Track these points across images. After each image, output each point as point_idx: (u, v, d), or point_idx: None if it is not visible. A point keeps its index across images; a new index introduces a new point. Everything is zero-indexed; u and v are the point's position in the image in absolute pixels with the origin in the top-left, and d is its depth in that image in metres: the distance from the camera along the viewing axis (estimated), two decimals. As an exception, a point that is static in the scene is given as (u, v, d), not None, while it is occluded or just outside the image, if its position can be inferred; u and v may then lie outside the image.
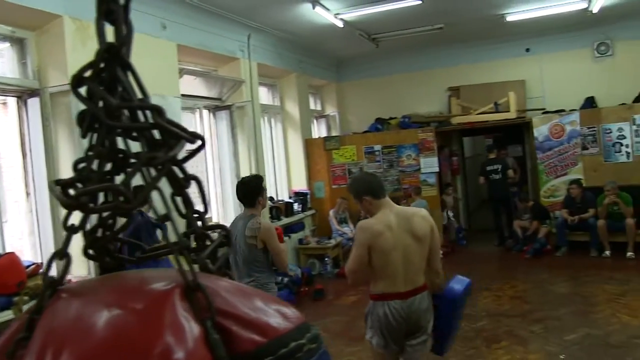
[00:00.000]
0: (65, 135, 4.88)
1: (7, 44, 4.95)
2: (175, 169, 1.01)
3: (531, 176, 10.19)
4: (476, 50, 10.42)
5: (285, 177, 9.68)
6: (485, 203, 10.60)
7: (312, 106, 10.81)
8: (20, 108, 5.00)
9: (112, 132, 1.01)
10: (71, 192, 0.95)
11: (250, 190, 4.01)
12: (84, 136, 1.04)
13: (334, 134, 11.08)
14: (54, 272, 1.01)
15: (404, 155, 9.56)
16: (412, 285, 3.16)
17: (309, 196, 9.67)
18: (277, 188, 9.40)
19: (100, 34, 1.00)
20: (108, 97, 0.97)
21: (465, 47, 10.42)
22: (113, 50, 0.99)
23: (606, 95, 9.51)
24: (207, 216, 1.14)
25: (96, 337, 0.82)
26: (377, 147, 9.74)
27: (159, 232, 4.80)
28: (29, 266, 4.39)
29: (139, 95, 1.03)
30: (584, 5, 8.28)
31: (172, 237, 0.99)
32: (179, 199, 1.04)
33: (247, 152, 7.83)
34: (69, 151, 4.86)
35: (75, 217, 0.97)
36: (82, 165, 1.01)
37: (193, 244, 1.08)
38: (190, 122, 7.37)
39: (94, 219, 1.04)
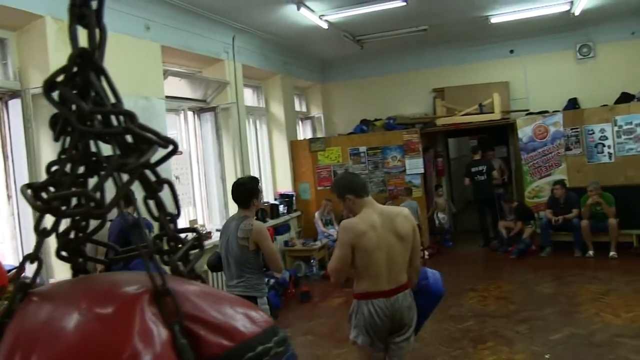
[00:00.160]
0: (47, 137, 4.81)
1: (-13, 45, 4.88)
2: (148, 172, 1.02)
3: (515, 177, 10.27)
4: (460, 51, 10.47)
5: (271, 179, 9.65)
6: (470, 204, 10.65)
7: (297, 107, 10.80)
8: (1, 109, 4.92)
9: (85, 136, 1.01)
10: (44, 195, 0.96)
11: (246, 191, 4.00)
12: (56, 139, 1.04)
13: (319, 135, 11.07)
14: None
15: (389, 156, 9.58)
16: (395, 283, 3.20)
17: (294, 198, 9.64)
18: (263, 190, 9.36)
19: (73, 38, 1.00)
20: (80, 102, 0.97)
21: (449, 49, 10.47)
22: (86, 55, 1.00)
23: (588, 96, 9.61)
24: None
25: (65, 341, 0.82)
26: (363, 149, 9.75)
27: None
28: (10, 270, 4.29)
29: (113, 99, 1.05)
30: (566, 7, 8.36)
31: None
32: (151, 202, 1.05)
33: (232, 154, 7.79)
34: (51, 153, 4.79)
35: (48, 221, 0.97)
36: (54, 167, 1.02)
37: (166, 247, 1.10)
38: (175, 123, 7.32)
39: (67, 220, 1.04)
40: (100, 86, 1.03)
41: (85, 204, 0.96)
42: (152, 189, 1.03)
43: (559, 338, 5.14)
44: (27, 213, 4.81)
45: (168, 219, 1.07)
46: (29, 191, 0.95)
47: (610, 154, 8.69)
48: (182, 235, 1.11)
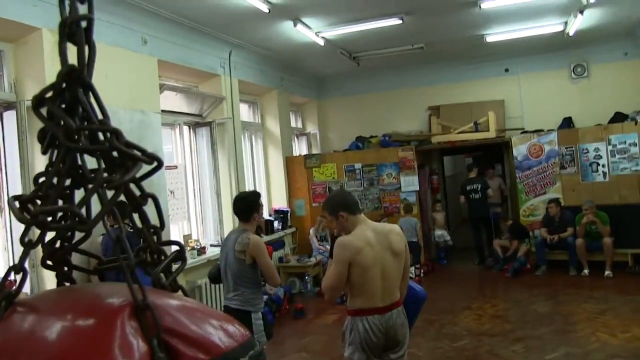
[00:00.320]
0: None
1: (-17, 57, 4.86)
2: (133, 186, 1.06)
3: (510, 195, 10.26)
4: (456, 69, 10.53)
5: (266, 195, 9.61)
6: (465, 222, 10.63)
7: (292, 124, 10.81)
8: (-5, 121, 4.89)
9: (71, 151, 1.04)
10: (30, 207, 1.01)
11: (247, 205, 4.06)
12: (44, 153, 1.09)
13: (314, 151, 11.07)
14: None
15: (385, 173, 9.58)
16: (389, 300, 3.19)
17: (289, 214, 9.60)
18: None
19: (63, 56, 1.05)
20: (68, 120, 1.00)
21: (445, 67, 10.53)
22: (74, 73, 1.04)
23: (583, 115, 9.66)
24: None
25: (48, 353, 0.84)
26: (358, 166, 9.75)
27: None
28: None
29: (100, 115, 1.07)
30: (561, 27, 8.44)
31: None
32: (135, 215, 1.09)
33: (228, 169, 7.76)
34: (45, 167, 4.75)
35: (35, 233, 1.00)
36: (42, 179, 1.07)
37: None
38: (170, 138, 7.30)
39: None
40: (87, 102, 1.05)
41: (71, 218, 1.00)
42: (136, 203, 1.07)
43: (555, 357, 5.09)
44: (19, 226, 4.75)
45: (152, 231, 1.10)
46: (16, 203, 0.99)
47: (604, 173, 8.71)
48: (166, 247, 1.14)
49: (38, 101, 1.05)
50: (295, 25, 7.14)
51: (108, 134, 1.03)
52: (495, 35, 8.67)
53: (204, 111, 7.80)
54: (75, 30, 1.04)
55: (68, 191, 1.07)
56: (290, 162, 9.88)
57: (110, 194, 1.02)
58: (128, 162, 1.01)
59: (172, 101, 7.23)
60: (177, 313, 0.95)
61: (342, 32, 7.81)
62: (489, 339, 5.80)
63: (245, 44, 8.05)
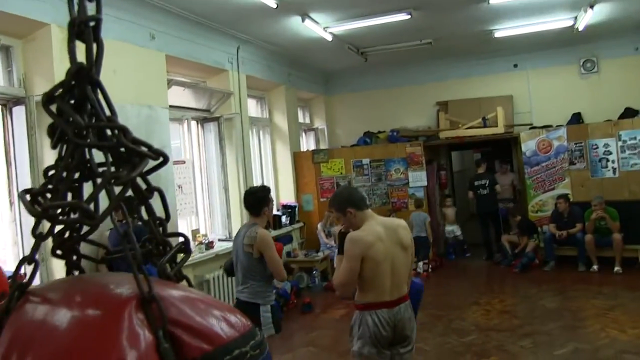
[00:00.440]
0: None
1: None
2: (140, 180, 1.09)
3: (519, 191, 10.21)
4: (464, 65, 10.48)
5: (274, 190, 9.61)
6: (473, 217, 10.60)
7: (300, 119, 10.81)
8: (5, 116, 4.92)
9: (80, 148, 1.08)
10: (40, 200, 1.04)
11: (257, 200, 4.13)
12: (54, 147, 1.13)
13: (322, 147, 11.07)
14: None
15: (393, 169, 9.56)
16: (397, 294, 3.20)
17: (297, 209, 9.61)
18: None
19: (72, 54, 1.08)
20: (77, 117, 1.04)
21: (453, 62, 10.48)
22: (83, 71, 1.07)
23: (592, 111, 9.60)
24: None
25: (59, 342, 0.88)
26: (366, 161, 9.73)
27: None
28: (10, 277, 4.28)
29: (108, 111, 1.11)
30: (570, 22, 8.37)
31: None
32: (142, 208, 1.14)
33: (235, 164, 7.77)
34: (54, 160, 4.78)
35: (44, 225, 1.05)
36: (51, 172, 1.11)
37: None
38: (178, 133, 7.32)
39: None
40: (96, 99, 1.09)
41: (79, 213, 1.03)
42: (143, 197, 1.11)
43: (563, 353, 5.08)
44: (29, 220, 4.78)
45: (157, 223, 1.14)
46: (27, 196, 1.03)
47: (614, 168, 8.66)
48: (171, 239, 1.18)
49: (48, 98, 1.07)
50: (303, 20, 7.13)
51: (116, 131, 1.06)
52: (504, 30, 8.62)
53: (212, 106, 7.81)
54: (84, 30, 1.08)
55: (76, 184, 1.11)
56: (298, 158, 9.89)
57: (116, 189, 1.05)
58: (135, 158, 1.04)
59: (180, 96, 7.25)
60: (181, 304, 0.98)
61: (350, 27, 7.78)
62: (497, 334, 5.79)
63: (253, 39, 8.05)
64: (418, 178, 9.43)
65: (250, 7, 6.51)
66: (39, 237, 1.08)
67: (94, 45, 1.09)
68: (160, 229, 1.16)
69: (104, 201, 1.07)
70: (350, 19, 7.49)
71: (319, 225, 9.20)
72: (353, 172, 9.75)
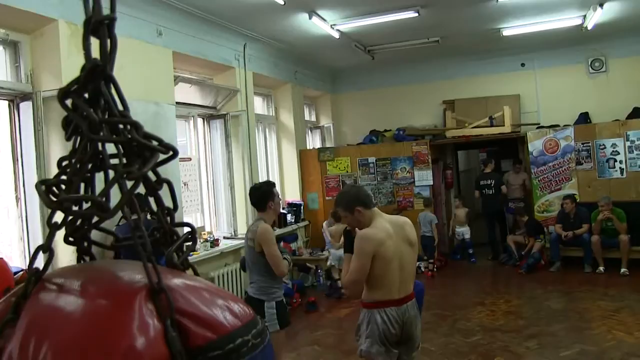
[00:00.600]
0: (57, 140, 4.79)
1: (0, 47, 4.88)
2: (150, 173, 1.14)
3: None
4: (472, 64, 10.44)
5: (279, 188, 9.60)
6: (479, 217, 10.56)
7: (306, 117, 10.79)
8: (12, 112, 4.92)
9: (94, 142, 1.14)
10: (55, 190, 1.10)
11: (261, 195, 4.19)
12: (68, 139, 1.18)
13: (328, 145, 11.05)
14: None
15: (399, 167, 9.54)
16: (405, 292, 3.20)
17: (302, 207, 9.59)
18: (279, 194, 9.32)
19: (87, 51, 1.12)
20: (91, 113, 1.09)
21: (460, 61, 10.44)
22: (98, 68, 1.11)
23: (600, 111, 9.54)
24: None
25: (73, 331, 0.93)
26: (372, 159, 9.71)
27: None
28: (17, 272, 4.29)
29: (120, 105, 1.15)
30: (579, 21, 8.32)
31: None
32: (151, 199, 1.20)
33: (241, 162, 7.76)
34: (70, 151, 4.76)
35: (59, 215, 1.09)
36: (64, 163, 1.17)
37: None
38: (184, 130, 7.31)
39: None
40: (109, 95, 1.14)
41: (93, 206, 1.08)
42: (153, 188, 1.16)
43: (569, 355, 5.04)
44: (35, 216, 4.80)
45: (166, 212, 1.20)
46: (42, 187, 1.07)
47: (622, 169, 8.60)
48: (178, 230, 1.24)
49: (64, 94, 1.11)
50: (310, 17, 7.10)
51: (128, 126, 1.11)
52: (512, 29, 8.57)
53: (218, 103, 7.80)
54: (98, 27, 1.12)
55: (88, 174, 1.17)
56: (303, 156, 9.87)
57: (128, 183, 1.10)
58: (146, 152, 1.10)
59: (187, 93, 7.24)
60: (188, 294, 1.03)
61: (358, 24, 7.76)
62: (502, 334, 5.77)
63: (260, 37, 8.03)
64: (424, 177, 9.40)
65: (257, 3, 6.50)
66: (54, 227, 1.11)
67: (108, 42, 1.13)
68: (168, 218, 1.21)
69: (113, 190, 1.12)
70: (358, 17, 7.47)
71: (325, 224, 9.16)
72: (359, 171, 9.73)
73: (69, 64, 4.82)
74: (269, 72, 8.78)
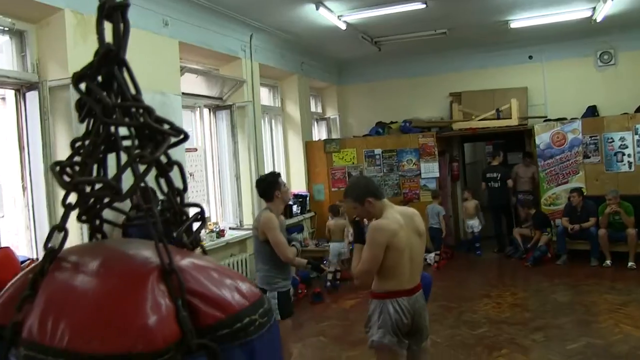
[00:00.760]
0: (64, 130, 4.79)
1: (6, 37, 4.87)
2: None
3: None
4: (479, 56, 10.37)
5: (285, 179, 9.55)
6: (485, 209, 10.51)
7: (312, 108, 10.75)
8: (18, 101, 4.91)
9: (107, 126, 1.16)
10: (69, 171, 1.13)
11: (267, 185, 4.27)
12: (81, 122, 1.20)
13: (334, 136, 11.01)
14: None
15: (405, 159, 9.51)
16: (414, 282, 3.22)
17: (308, 199, 9.58)
18: (285, 184, 9.31)
19: (101, 36, 1.14)
20: (105, 98, 1.11)
21: (468, 53, 10.37)
22: (111, 53, 1.14)
23: (608, 104, 9.47)
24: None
25: (89, 309, 0.96)
26: (378, 151, 9.68)
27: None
28: (24, 261, 4.29)
29: (133, 89, 1.18)
30: (588, 13, 8.23)
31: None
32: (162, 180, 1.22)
33: (247, 153, 7.75)
34: (67, 146, 4.72)
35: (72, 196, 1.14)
36: (78, 144, 1.20)
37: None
38: (190, 120, 7.30)
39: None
40: (122, 78, 1.16)
41: (107, 189, 1.12)
42: (164, 170, 1.19)
43: (576, 348, 5.02)
44: (42, 205, 4.80)
45: (176, 193, 1.23)
46: (57, 168, 1.11)
47: (630, 162, 8.54)
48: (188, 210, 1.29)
49: (78, 78, 1.15)
50: (317, 8, 7.06)
51: (141, 110, 1.14)
52: (520, 21, 8.49)
53: (225, 94, 7.78)
54: (112, 12, 1.14)
55: (101, 155, 1.20)
56: (309, 147, 9.85)
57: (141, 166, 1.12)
58: (158, 136, 1.13)
59: (193, 84, 7.22)
60: (198, 274, 1.07)
61: (365, 16, 7.70)
62: (508, 327, 5.75)
63: (267, 27, 7.99)
64: (430, 169, 9.37)
65: (264, -6, 6.46)
66: (68, 207, 1.15)
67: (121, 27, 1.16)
68: (178, 199, 1.24)
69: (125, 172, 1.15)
70: (365, 8, 7.41)
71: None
72: (365, 162, 9.71)
73: (75, 54, 4.80)
74: (275, 63, 8.75)
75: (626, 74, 9.55)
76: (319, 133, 11.19)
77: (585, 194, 8.57)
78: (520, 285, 7.59)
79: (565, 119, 9.22)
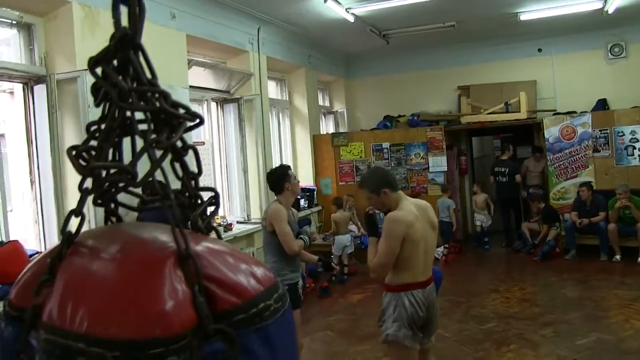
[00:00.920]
0: (72, 123, 4.79)
1: (14, 30, 4.85)
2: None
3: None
4: (487, 49, 10.29)
5: (292, 173, 9.56)
6: (494, 203, 10.46)
7: (320, 102, 10.71)
8: (26, 95, 4.90)
9: (123, 110, 1.16)
10: (85, 155, 1.14)
11: (276, 178, 4.31)
12: (97, 106, 1.20)
13: (342, 130, 10.98)
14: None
15: (413, 153, 9.46)
16: (427, 275, 3.23)
17: (315, 192, 9.56)
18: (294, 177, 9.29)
19: (116, 20, 1.13)
20: (121, 82, 1.11)
21: (476, 46, 10.29)
22: (127, 37, 1.13)
23: (619, 97, 9.37)
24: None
25: (108, 295, 0.98)
26: (386, 145, 9.64)
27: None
28: (32, 255, 4.30)
29: (148, 74, 1.18)
30: (599, 5, 8.14)
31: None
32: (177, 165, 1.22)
33: (255, 146, 7.72)
34: (75, 139, 4.74)
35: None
36: (93, 128, 1.21)
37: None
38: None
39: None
40: (138, 62, 1.16)
41: (123, 174, 1.13)
42: (179, 154, 1.19)
43: (586, 343, 4.99)
44: (50, 198, 4.79)
45: (191, 177, 1.23)
46: (73, 153, 1.12)
47: (640, 156, 8.47)
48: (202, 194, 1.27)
49: (94, 62, 1.14)
50: (325, 0, 7.00)
51: (156, 94, 1.13)
52: (529, 13, 8.40)
53: (232, 87, 7.76)
54: None
55: (117, 139, 1.20)
56: (317, 141, 9.82)
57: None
58: (174, 120, 1.13)
59: (200, 77, 7.19)
60: (213, 259, 1.07)
61: (373, 8, 7.64)
62: (517, 322, 5.72)
63: (274, 20, 7.94)
64: (438, 163, 9.32)
65: (272, -14, 6.41)
66: (85, 192, 1.16)
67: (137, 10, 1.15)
68: (193, 182, 1.24)
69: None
70: (373, 0, 7.35)
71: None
72: (373, 156, 9.67)
73: (83, 47, 4.79)
74: (283, 56, 8.71)
75: (637, 66, 9.45)
76: (327, 126, 11.15)
77: (594, 188, 8.50)
78: (529, 280, 7.55)
79: (574, 112, 9.15)
